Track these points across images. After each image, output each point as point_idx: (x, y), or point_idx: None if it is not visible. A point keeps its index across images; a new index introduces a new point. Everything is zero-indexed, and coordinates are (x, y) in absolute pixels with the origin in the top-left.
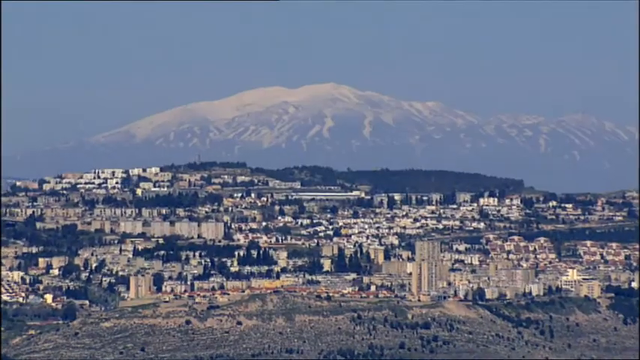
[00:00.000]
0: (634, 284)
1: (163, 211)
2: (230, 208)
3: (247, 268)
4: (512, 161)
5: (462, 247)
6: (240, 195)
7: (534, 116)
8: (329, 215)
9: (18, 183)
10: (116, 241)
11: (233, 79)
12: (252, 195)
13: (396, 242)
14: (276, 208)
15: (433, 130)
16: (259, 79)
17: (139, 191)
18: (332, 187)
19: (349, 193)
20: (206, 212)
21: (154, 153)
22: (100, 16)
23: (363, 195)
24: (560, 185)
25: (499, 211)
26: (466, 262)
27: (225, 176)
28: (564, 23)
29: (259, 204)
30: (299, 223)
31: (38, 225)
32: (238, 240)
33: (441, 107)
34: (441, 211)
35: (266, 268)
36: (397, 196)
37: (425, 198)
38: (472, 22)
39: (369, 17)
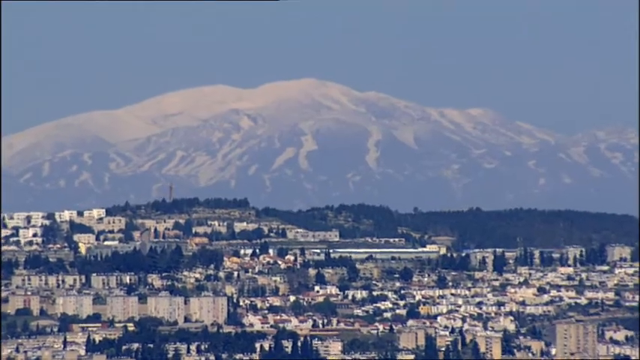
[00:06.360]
0: None
1: (127, 278)
2: (235, 274)
3: None
4: (616, 203)
5: (619, 335)
6: (250, 252)
7: None
8: (397, 283)
9: None
10: (55, 329)
11: (147, 75)
12: (271, 251)
13: (511, 327)
14: (311, 272)
15: (482, 155)
16: (192, 76)
17: (82, 247)
18: (392, 240)
19: (424, 249)
20: (197, 280)
21: (19, 196)
22: None
23: (444, 251)
24: None
25: None
26: (633, 357)
27: (216, 222)
28: None
29: (282, 266)
30: (348, 297)
31: None
32: (251, 325)
33: (492, 118)
34: (583, 275)
35: None
36: (508, 253)
37: (555, 255)
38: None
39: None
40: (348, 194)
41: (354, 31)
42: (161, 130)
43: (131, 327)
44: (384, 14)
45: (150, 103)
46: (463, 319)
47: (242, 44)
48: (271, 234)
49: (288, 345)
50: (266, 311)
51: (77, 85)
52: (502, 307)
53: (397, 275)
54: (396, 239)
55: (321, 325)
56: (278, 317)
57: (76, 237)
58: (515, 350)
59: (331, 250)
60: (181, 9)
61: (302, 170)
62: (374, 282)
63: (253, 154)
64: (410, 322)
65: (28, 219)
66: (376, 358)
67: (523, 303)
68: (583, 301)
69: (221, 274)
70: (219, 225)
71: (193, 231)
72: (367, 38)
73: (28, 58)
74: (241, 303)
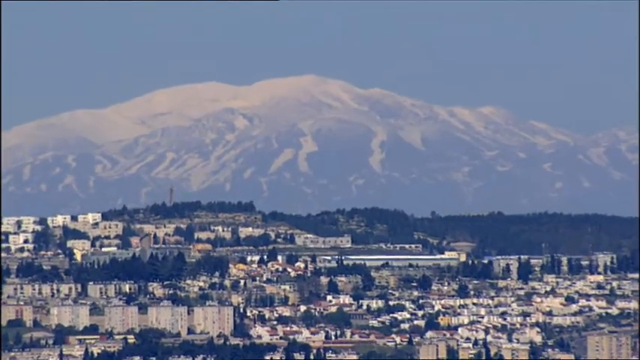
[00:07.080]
0: None
1: (126, 287)
2: (242, 282)
3: None
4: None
5: None
6: (257, 259)
7: None
8: (415, 292)
9: None
10: (50, 341)
11: (135, 72)
12: (280, 258)
13: (537, 339)
14: (323, 280)
15: (494, 157)
16: (183, 73)
17: (77, 254)
18: (407, 246)
19: (443, 256)
20: (201, 289)
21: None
22: None
23: (464, 257)
24: None
25: None
26: None
27: (219, 227)
28: None
29: (292, 274)
30: (363, 307)
31: None
32: (259, 336)
33: (505, 117)
34: (615, 284)
35: None
36: (534, 260)
37: (584, 262)
38: None
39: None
40: (351, 198)
41: (356, 24)
42: (150, 131)
43: (131, 339)
44: (387, 7)
45: (138, 102)
46: (486, 331)
47: (236, 40)
48: (279, 239)
49: (299, 358)
50: (275, 322)
51: (60, 82)
52: (528, 318)
53: (415, 284)
54: (413, 245)
55: (334, 337)
56: (288, 328)
57: (70, 243)
58: None
59: (344, 257)
60: (172, 4)
61: (301, 173)
62: (390, 291)
63: (249, 156)
64: (429, 334)
65: (19, 224)
66: None
67: (550, 313)
68: (614, 311)
69: (227, 283)
70: (223, 230)
71: (195, 237)
72: (370, 32)
73: (8, 54)
74: (248, 313)
